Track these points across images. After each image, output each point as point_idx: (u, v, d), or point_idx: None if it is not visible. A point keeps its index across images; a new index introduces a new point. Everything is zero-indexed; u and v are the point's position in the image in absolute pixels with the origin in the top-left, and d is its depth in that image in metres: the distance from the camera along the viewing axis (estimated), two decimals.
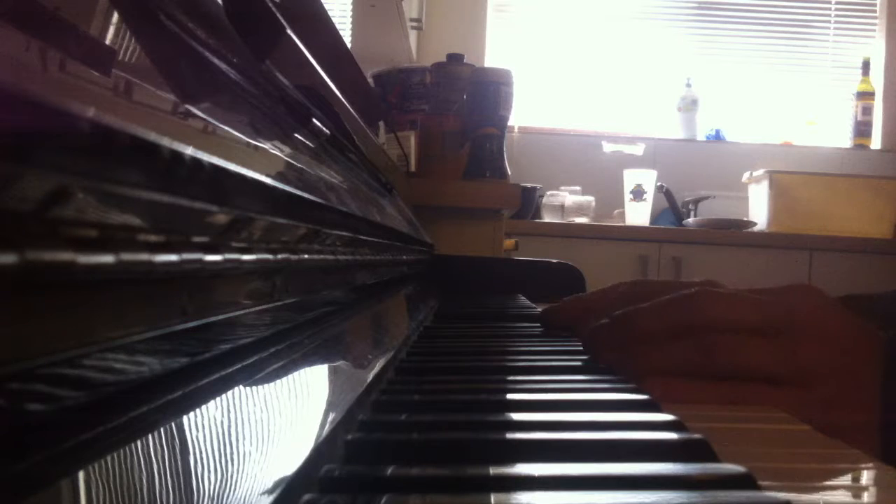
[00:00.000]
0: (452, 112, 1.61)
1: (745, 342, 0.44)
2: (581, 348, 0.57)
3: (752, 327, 0.45)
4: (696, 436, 0.31)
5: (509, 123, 1.72)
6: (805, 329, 0.45)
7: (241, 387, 0.26)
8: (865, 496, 0.28)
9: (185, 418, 0.21)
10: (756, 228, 2.76)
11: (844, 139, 3.16)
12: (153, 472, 0.18)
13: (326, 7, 0.85)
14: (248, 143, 0.28)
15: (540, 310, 0.77)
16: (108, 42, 0.21)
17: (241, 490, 0.21)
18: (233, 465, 0.21)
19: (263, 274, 0.31)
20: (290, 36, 0.47)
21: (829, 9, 3.19)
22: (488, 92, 1.61)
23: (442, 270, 1.25)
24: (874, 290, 0.63)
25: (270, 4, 0.43)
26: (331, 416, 0.29)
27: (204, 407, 0.23)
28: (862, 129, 3.10)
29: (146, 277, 0.19)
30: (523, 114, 2.89)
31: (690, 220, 2.88)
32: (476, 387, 0.44)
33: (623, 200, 2.88)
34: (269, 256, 0.30)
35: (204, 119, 0.24)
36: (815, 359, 0.44)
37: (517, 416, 0.36)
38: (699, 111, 3.10)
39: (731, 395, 0.43)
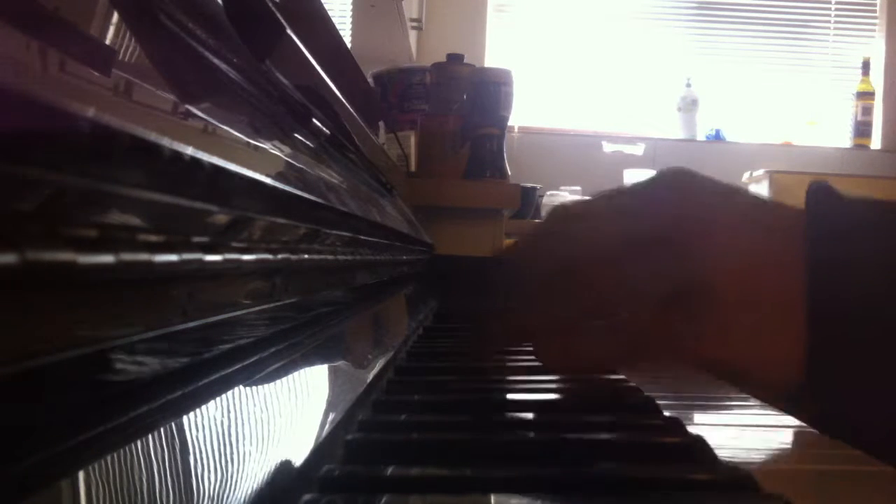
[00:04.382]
0: (452, 112, 1.61)
1: (633, 262, 0.37)
2: None
3: (635, 242, 0.37)
4: (697, 436, 0.31)
5: (509, 123, 1.72)
6: (693, 224, 0.37)
7: (241, 387, 0.26)
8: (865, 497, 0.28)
9: (185, 418, 0.21)
10: None
11: (844, 139, 3.15)
12: (153, 472, 0.18)
13: (326, 7, 0.85)
14: (248, 143, 0.28)
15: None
16: (108, 42, 0.21)
17: (241, 490, 0.21)
18: (233, 465, 0.21)
19: (263, 274, 0.31)
20: (290, 36, 0.47)
21: (829, 9, 3.19)
22: (488, 92, 1.61)
23: (442, 270, 1.25)
24: None
25: (270, 4, 0.43)
26: (331, 417, 0.29)
27: (204, 407, 0.23)
28: (862, 129, 3.10)
29: (146, 277, 0.19)
30: (523, 114, 2.89)
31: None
32: (475, 387, 0.44)
33: None
34: (269, 256, 0.30)
35: (204, 119, 0.24)
36: (714, 255, 0.37)
37: (516, 417, 0.36)
38: (699, 111, 3.10)
39: (641, 334, 0.37)
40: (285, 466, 0.23)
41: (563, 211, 0.42)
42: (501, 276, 0.42)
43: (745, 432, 0.38)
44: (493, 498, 0.24)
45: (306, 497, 0.23)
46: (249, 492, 0.21)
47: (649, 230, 0.38)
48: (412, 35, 2.44)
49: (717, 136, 3.14)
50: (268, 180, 0.27)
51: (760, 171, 2.77)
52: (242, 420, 0.24)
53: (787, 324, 0.36)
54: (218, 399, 0.24)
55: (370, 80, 1.60)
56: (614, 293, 0.38)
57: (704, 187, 0.39)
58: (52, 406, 0.17)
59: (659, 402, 0.40)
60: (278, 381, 0.30)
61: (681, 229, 0.37)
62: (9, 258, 0.13)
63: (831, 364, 0.35)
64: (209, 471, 0.20)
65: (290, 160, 0.34)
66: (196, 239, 0.22)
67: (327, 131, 0.55)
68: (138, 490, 0.17)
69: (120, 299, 0.18)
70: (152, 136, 0.17)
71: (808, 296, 0.36)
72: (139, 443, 0.18)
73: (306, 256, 0.36)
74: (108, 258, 0.16)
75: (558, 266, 0.39)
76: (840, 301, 0.36)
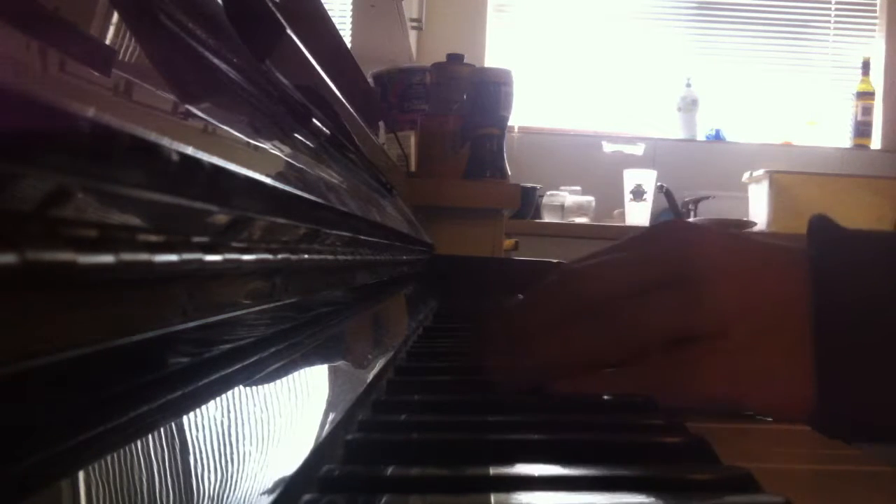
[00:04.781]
0: (452, 112, 1.61)
1: (641, 306, 0.38)
2: None
3: (641, 288, 0.38)
4: (697, 436, 0.31)
5: (509, 123, 1.72)
6: (701, 268, 0.38)
7: (241, 387, 0.26)
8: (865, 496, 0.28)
9: (185, 418, 0.21)
10: (756, 228, 2.76)
11: (844, 139, 3.16)
12: (153, 472, 0.18)
13: (326, 7, 0.85)
14: (248, 143, 0.28)
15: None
16: (108, 42, 0.21)
17: (241, 490, 0.21)
18: (233, 465, 0.21)
19: (263, 274, 0.31)
20: (290, 36, 0.47)
21: (829, 9, 3.19)
22: (488, 92, 1.61)
23: (442, 270, 1.25)
24: None
25: (270, 4, 0.43)
26: (330, 416, 0.29)
27: (204, 407, 0.23)
28: (862, 129, 3.10)
29: (146, 277, 0.19)
30: (523, 114, 2.89)
31: (691, 220, 2.88)
32: (475, 387, 0.44)
33: (623, 200, 2.88)
34: (269, 256, 0.30)
35: (204, 119, 0.24)
36: (722, 297, 0.37)
37: (516, 417, 0.36)
38: (699, 111, 3.10)
39: (650, 376, 0.38)
40: (285, 466, 0.23)
41: (566, 269, 0.42)
42: (505, 326, 0.43)
43: (745, 432, 0.38)
44: (492, 498, 0.24)
45: (306, 497, 0.23)
46: (249, 492, 0.21)
47: (656, 276, 0.39)
48: (412, 35, 2.44)
49: (717, 136, 3.14)
50: (268, 180, 0.27)
51: (760, 171, 2.77)
52: (242, 420, 0.24)
53: (795, 362, 0.37)
54: (218, 399, 0.24)
55: (370, 80, 1.60)
56: (624, 337, 0.38)
57: (705, 233, 0.40)
58: (52, 406, 0.17)
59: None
60: (278, 381, 0.30)
61: (687, 274, 0.38)
62: (9, 258, 0.13)
63: (841, 394, 0.36)
64: (209, 471, 0.20)
65: (290, 160, 0.34)
66: (196, 239, 0.22)
67: (327, 131, 0.55)
68: (138, 490, 0.17)
69: (120, 299, 0.18)
70: (152, 136, 0.17)
71: (814, 330, 0.36)
72: (139, 443, 0.18)
73: (306, 256, 0.36)
74: (108, 258, 0.16)
75: (563, 315, 0.40)
76: (847, 334, 0.36)
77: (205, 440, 0.21)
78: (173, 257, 0.20)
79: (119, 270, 0.17)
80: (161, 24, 0.27)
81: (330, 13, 0.84)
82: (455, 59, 1.65)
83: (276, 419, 0.27)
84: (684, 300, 0.38)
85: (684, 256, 0.39)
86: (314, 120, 0.50)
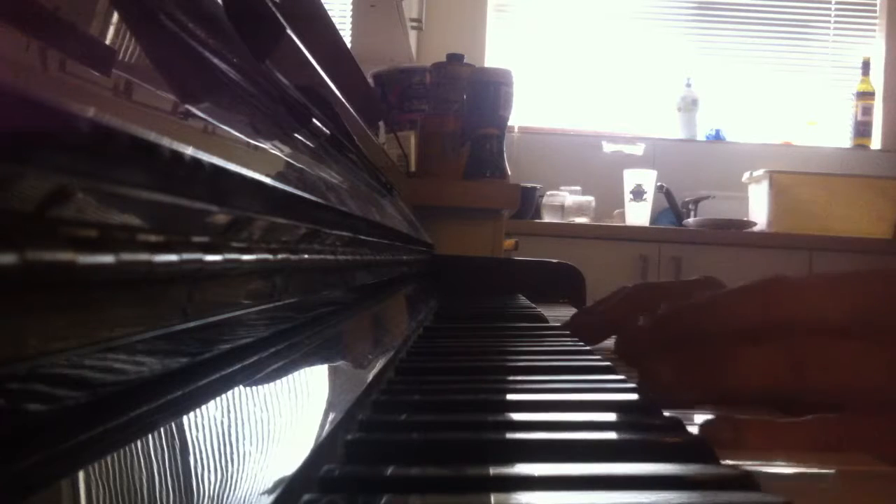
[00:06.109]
0: (452, 112, 1.61)
1: (847, 347, 0.33)
2: (581, 347, 0.57)
3: (848, 327, 0.33)
4: (696, 436, 0.31)
5: (509, 123, 1.72)
6: None
7: (241, 387, 0.26)
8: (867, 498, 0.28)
9: (185, 418, 0.21)
10: (756, 228, 2.76)
11: (844, 139, 3.16)
12: (153, 472, 0.18)
13: (326, 7, 0.85)
14: (248, 143, 0.28)
15: (540, 312, 0.75)
16: (108, 42, 0.21)
17: (241, 490, 0.21)
18: (233, 465, 0.21)
19: (263, 274, 0.31)
20: (290, 36, 0.47)
21: (829, 9, 3.19)
22: (488, 92, 1.61)
23: (442, 270, 1.25)
24: None
25: (270, 4, 0.43)
26: (331, 416, 0.29)
27: (204, 407, 0.23)
28: (862, 129, 3.11)
29: (146, 277, 0.19)
30: (523, 114, 2.89)
31: (690, 220, 2.88)
32: (476, 387, 0.44)
33: (623, 200, 2.88)
34: (269, 256, 0.30)
35: (204, 119, 0.24)
36: None
37: (517, 417, 0.36)
38: (699, 111, 3.10)
39: (829, 433, 0.32)
40: (285, 466, 0.23)
41: (771, 281, 0.36)
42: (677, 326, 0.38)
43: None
44: (492, 498, 0.24)
45: (306, 497, 0.23)
46: (249, 492, 0.21)
47: (882, 313, 0.33)
48: (412, 35, 2.45)
49: (717, 136, 3.14)
50: (268, 180, 0.27)
51: (760, 171, 2.77)
52: (242, 420, 0.24)
53: None
54: (218, 399, 0.24)
55: (370, 80, 1.60)
56: (828, 375, 0.33)
57: None
58: (52, 406, 0.17)
59: None
60: (278, 381, 0.30)
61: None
62: (9, 258, 0.13)
63: None
64: (209, 471, 0.20)
65: (289, 160, 0.34)
66: (196, 239, 0.22)
67: (327, 131, 0.55)
68: (138, 490, 0.17)
69: (120, 299, 0.18)
70: (152, 136, 0.17)
71: None
72: (139, 443, 0.18)
73: (306, 256, 0.36)
74: (108, 258, 0.16)
75: (758, 327, 0.34)
76: None
77: (205, 440, 0.21)
78: (173, 257, 0.20)
79: (119, 270, 0.17)
80: (161, 24, 0.27)
81: (330, 13, 0.84)
82: (455, 59, 1.65)
83: (276, 419, 0.27)
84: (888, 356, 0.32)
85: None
86: (314, 120, 0.50)
